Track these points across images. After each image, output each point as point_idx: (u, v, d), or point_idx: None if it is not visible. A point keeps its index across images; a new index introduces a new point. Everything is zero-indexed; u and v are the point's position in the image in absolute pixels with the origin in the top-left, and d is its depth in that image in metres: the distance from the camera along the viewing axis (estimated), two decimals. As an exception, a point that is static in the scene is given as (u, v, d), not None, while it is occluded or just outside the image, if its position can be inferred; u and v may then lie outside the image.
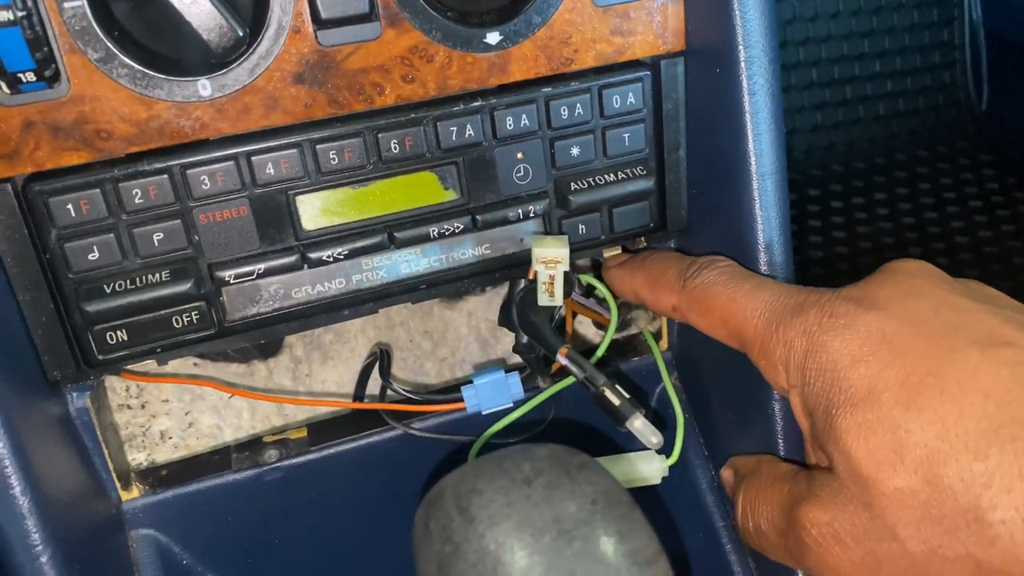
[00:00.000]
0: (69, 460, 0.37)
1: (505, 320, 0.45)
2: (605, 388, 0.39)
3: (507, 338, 0.49)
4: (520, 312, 0.43)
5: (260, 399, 0.45)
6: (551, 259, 0.40)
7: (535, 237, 0.41)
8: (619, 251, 0.45)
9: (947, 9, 0.98)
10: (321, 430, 0.45)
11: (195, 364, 0.46)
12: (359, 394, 0.45)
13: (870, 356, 0.31)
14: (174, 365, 0.45)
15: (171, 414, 0.47)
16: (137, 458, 0.45)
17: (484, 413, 0.44)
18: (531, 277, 0.41)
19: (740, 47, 0.38)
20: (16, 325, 0.35)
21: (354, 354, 0.48)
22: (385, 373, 0.45)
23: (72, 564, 0.34)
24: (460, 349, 0.49)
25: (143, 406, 0.46)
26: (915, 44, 0.97)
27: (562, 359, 0.40)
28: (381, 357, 0.45)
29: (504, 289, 0.46)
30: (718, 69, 0.39)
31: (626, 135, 0.41)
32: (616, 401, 0.39)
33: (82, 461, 0.38)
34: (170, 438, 0.47)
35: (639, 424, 0.38)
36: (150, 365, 0.43)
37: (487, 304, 0.49)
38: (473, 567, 0.23)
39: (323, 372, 0.48)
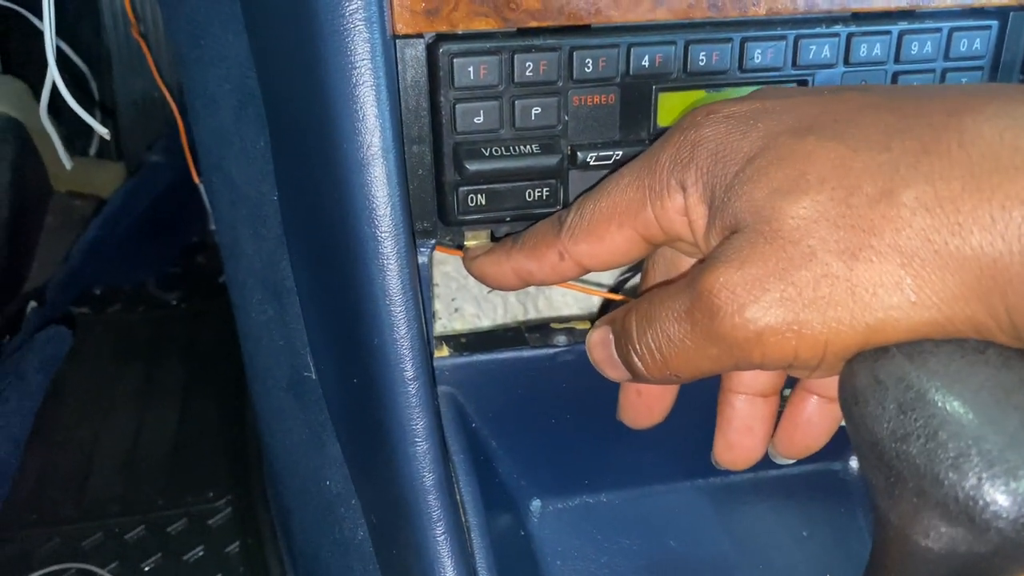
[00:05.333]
0: (418, 308, 0.40)
1: None
2: None
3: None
4: None
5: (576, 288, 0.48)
6: None
7: None
8: (484, 240, 0.43)
9: None
10: (604, 324, 0.47)
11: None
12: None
13: (759, 121, 0.32)
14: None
15: (440, 298, 0.50)
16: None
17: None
18: None
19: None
20: (403, 175, 0.38)
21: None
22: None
23: (427, 398, 0.38)
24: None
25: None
26: None
27: None
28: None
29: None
30: (1077, 24, 0.40)
31: (963, 79, 0.42)
32: None
33: (423, 313, 0.41)
34: (440, 319, 0.50)
35: None
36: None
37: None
38: (941, 412, 0.25)
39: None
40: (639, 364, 0.34)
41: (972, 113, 0.27)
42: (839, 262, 0.27)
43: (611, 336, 0.36)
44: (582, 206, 0.37)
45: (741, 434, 0.38)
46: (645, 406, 0.41)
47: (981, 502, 0.23)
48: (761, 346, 0.29)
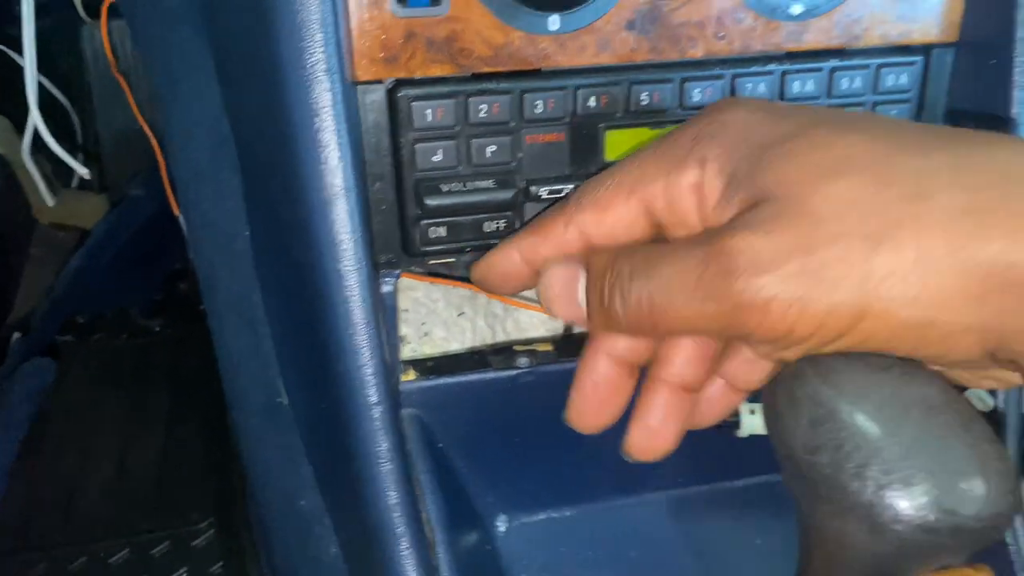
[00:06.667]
0: (380, 336, 0.42)
1: None
2: None
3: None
4: None
5: (530, 308, 0.50)
6: None
7: None
8: None
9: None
10: (565, 344, 0.50)
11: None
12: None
13: (791, 115, 0.33)
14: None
15: (409, 322, 0.52)
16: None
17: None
18: None
19: (1019, 40, 0.41)
20: (365, 213, 0.40)
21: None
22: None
23: (390, 421, 0.40)
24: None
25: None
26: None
27: None
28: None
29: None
30: (993, 61, 0.43)
31: (892, 112, 0.45)
32: None
33: (386, 340, 0.43)
34: (410, 343, 0.53)
35: None
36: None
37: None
38: (847, 427, 0.27)
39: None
40: (619, 308, 0.33)
41: (1012, 143, 0.30)
42: (862, 248, 0.28)
43: (581, 273, 0.36)
44: (598, 178, 0.37)
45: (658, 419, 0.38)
46: (598, 400, 0.40)
47: (879, 507, 0.26)
48: (763, 314, 0.29)
